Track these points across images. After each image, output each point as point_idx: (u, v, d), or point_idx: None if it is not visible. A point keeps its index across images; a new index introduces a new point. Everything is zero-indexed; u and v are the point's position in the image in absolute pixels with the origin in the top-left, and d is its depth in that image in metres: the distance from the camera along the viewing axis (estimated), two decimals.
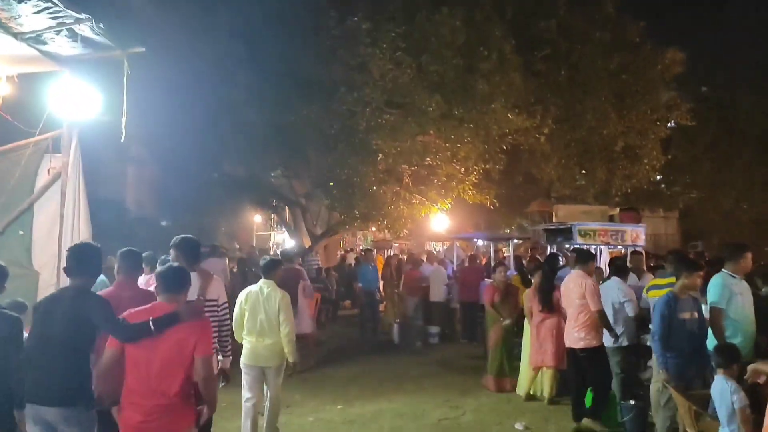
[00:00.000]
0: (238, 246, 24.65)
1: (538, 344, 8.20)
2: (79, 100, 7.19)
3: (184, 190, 19.55)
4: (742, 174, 23.14)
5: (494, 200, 18.08)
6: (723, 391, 4.85)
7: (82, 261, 4.26)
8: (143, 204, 26.78)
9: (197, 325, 3.96)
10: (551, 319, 8.14)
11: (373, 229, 24.62)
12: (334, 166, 15.72)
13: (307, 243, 20.49)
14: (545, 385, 8.27)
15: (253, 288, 6.42)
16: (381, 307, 13.86)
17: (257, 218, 25.81)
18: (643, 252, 9.33)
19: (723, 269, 5.94)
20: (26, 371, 4.09)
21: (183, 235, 5.06)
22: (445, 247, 16.24)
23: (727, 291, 5.83)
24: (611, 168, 17.92)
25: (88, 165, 8.42)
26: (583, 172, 18.92)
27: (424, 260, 14.12)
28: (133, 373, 3.84)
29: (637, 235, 10.11)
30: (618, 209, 10.74)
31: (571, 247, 9.82)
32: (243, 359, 6.30)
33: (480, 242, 16.40)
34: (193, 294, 4.76)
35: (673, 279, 6.31)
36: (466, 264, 13.40)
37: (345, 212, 16.60)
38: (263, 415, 6.50)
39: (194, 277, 4.85)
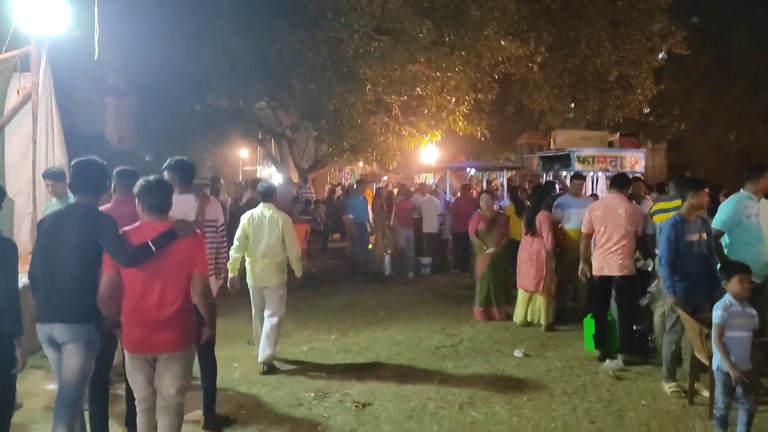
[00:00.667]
0: (222, 181, 24.01)
1: (520, 267, 8.15)
2: (47, 14, 6.60)
3: (166, 123, 18.99)
4: (733, 106, 22.82)
5: (485, 131, 17.65)
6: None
7: (86, 177, 4.06)
8: (125, 138, 26.07)
9: (193, 241, 3.83)
10: (534, 243, 7.96)
11: (361, 164, 24.18)
12: (321, 96, 15.17)
13: (295, 177, 20.04)
14: (541, 312, 8.06)
15: (255, 212, 6.46)
16: (371, 239, 13.54)
17: (244, 153, 25.17)
18: (643, 178, 8.97)
19: (741, 189, 5.64)
20: (34, 290, 4.00)
21: (177, 157, 4.90)
22: (437, 179, 15.86)
23: (737, 215, 5.55)
24: (604, 98, 17.48)
25: (63, 94, 7.92)
26: (573, 105, 18.49)
27: (416, 191, 13.71)
28: (133, 294, 3.74)
29: (636, 160, 9.78)
30: (618, 134, 10.31)
31: (569, 174, 9.47)
32: (248, 280, 6.52)
33: (472, 172, 16.04)
34: (191, 215, 4.71)
35: (679, 202, 5.99)
36: (459, 194, 13.03)
37: (333, 144, 16.14)
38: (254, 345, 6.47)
39: (191, 198, 4.82)
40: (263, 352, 6.34)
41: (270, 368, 6.32)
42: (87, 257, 3.84)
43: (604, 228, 6.71)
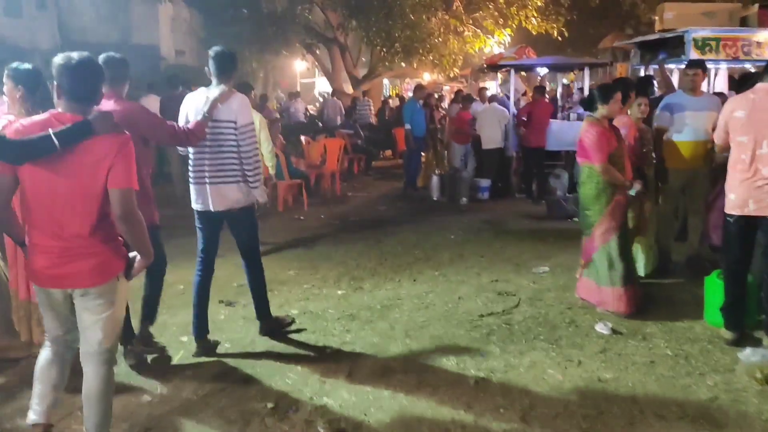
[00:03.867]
0: (282, 94, 21.67)
1: None
2: None
3: (214, 32, 17.06)
4: None
5: (563, 29, 14.42)
6: None
7: None
8: (183, 52, 24.09)
9: (115, 141, 2.66)
10: None
11: (428, 76, 21.17)
12: None
13: (348, 88, 17.52)
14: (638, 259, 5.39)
15: None
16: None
17: (301, 65, 22.63)
18: None
19: None
20: None
21: (219, 47, 4.06)
22: (499, 83, 12.82)
23: None
24: None
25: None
26: None
27: (477, 99, 10.75)
28: (34, 205, 2.70)
29: None
30: (756, 5, 7.00)
31: (677, 67, 6.47)
32: None
33: (543, 73, 12.64)
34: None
35: None
36: (526, 99, 10.13)
37: (383, 46, 13.45)
38: None
39: (217, 91, 3.93)
40: None
41: None
42: None
43: (749, 138, 3.95)
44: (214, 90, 3.91)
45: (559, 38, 14.26)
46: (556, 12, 14.17)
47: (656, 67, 7.12)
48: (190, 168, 4.06)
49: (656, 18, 7.43)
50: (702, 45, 6.53)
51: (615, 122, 5.08)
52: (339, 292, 5.32)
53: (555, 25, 14.20)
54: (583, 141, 4.64)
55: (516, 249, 6.52)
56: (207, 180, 3.95)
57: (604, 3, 15.85)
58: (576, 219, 7.60)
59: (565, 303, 4.94)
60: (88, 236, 2.68)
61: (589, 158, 4.62)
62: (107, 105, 3.47)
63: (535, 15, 13.99)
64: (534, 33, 14.41)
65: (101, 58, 3.57)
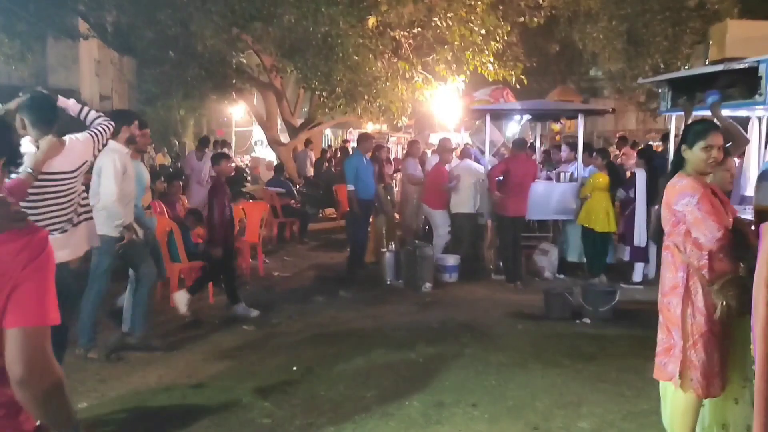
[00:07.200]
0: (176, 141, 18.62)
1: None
2: None
3: (141, 76, 14.59)
4: None
5: (522, 77, 12.45)
6: None
7: None
8: (108, 97, 21.19)
9: (15, 244, 1.32)
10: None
11: (372, 126, 18.94)
12: (305, 21, 10.14)
13: (284, 137, 15.07)
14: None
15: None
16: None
17: (237, 111, 19.95)
18: None
19: None
20: None
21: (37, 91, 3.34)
22: (468, 132, 10.51)
23: None
24: (677, 31, 12.10)
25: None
26: (626, 46, 13.12)
27: (437, 151, 8.27)
28: None
29: None
30: None
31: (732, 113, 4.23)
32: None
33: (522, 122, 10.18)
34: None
35: None
36: (503, 154, 7.82)
37: (323, 90, 11.07)
38: None
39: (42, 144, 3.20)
40: None
41: None
42: None
43: None
44: (42, 143, 3.13)
45: (518, 86, 12.27)
46: (515, 58, 12.23)
47: (701, 112, 4.79)
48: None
49: (711, 43, 5.25)
50: None
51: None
52: None
53: (513, 72, 12.19)
54: None
55: (523, 387, 3.95)
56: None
57: (563, 52, 14.12)
58: (588, 320, 5.27)
59: None
60: None
61: None
62: None
63: (492, 61, 11.95)
64: (490, 80, 12.37)
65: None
